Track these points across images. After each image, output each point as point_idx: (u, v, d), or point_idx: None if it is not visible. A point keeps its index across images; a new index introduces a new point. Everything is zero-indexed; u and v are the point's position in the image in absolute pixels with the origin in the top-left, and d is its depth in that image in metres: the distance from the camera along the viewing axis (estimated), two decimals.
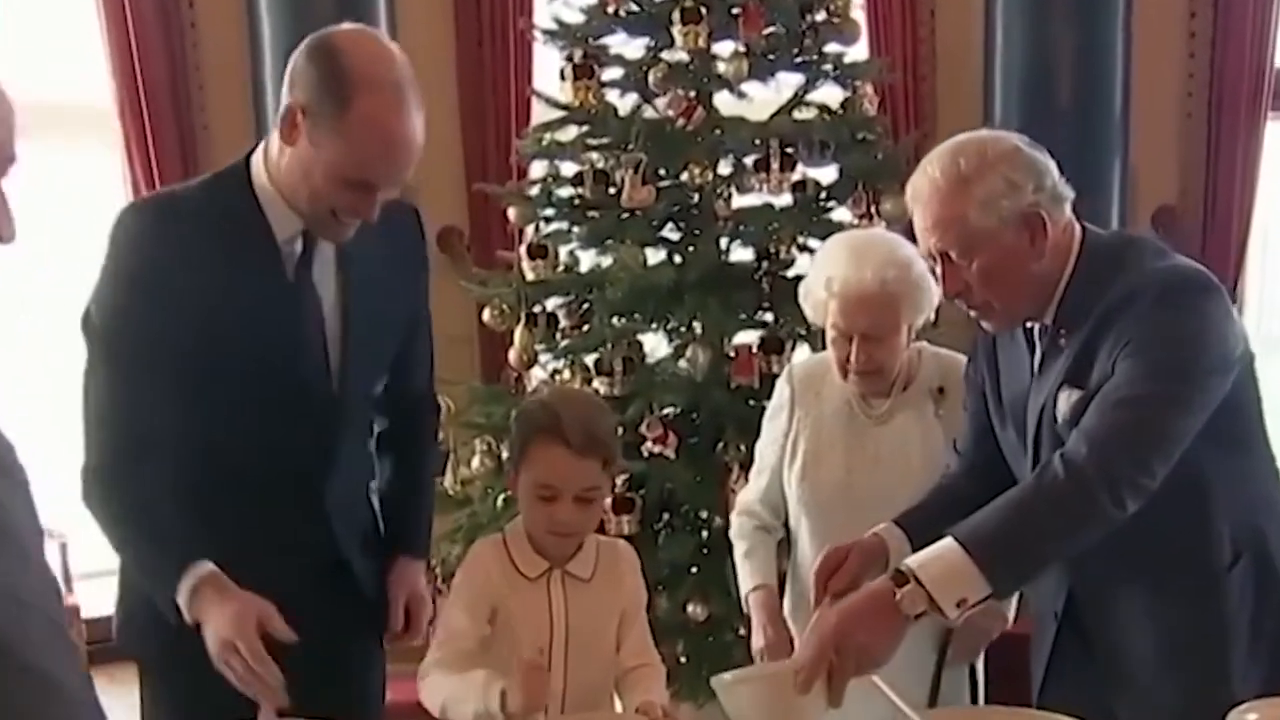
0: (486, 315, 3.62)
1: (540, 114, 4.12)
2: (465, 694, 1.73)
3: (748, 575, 2.39)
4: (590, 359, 3.31)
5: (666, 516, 3.26)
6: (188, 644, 1.73)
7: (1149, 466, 1.71)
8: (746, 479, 3.09)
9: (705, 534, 3.21)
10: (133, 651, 1.99)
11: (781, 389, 2.42)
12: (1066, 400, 1.81)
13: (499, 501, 3.42)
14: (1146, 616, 1.84)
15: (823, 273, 2.26)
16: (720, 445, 3.18)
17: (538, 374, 3.62)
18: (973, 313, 1.90)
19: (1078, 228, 1.87)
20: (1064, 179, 1.86)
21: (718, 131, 3.44)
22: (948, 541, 1.69)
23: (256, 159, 1.83)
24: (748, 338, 3.37)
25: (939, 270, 1.87)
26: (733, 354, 3.26)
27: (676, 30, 3.34)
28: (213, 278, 1.77)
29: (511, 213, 3.65)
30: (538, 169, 3.79)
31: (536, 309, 3.47)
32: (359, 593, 1.99)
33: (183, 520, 1.78)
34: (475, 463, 3.45)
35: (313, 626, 1.74)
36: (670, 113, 3.37)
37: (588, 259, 3.60)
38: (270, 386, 1.82)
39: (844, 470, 2.31)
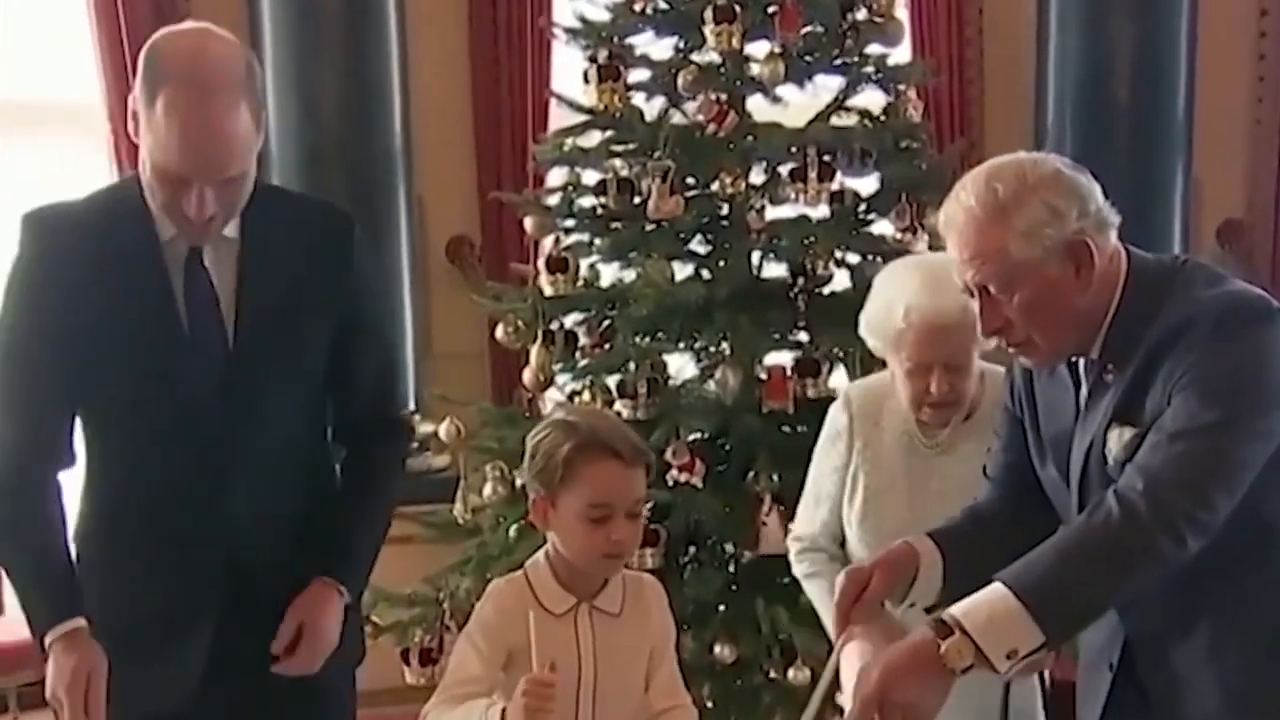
0: (500, 332, 3.65)
1: (559, 118, 4.19)
2: None
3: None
4: (613, 380, 3.34)
5: (693, 550, 3.29)
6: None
7: (1209, 501, 1.72)
8: (781, 509, 3.15)
9: (734, 569, 3.25)
10: None
11: (837, 416, 2.45)
12: (1118, 439, 1.82)
13: (511, 531, 3.47)
14: (1210, 667, 1.85)
15: (898, 302, 2.27)
16: (751, 474, 3.21)
17: (554, 395, 3.67)
18: (1012, 349, 1.90)
19: (1124, 254, 1.88)
20: (1110, 202, 1.86)
21: (750, 138, 3.48)
22: (995, 587, 1.71)
23: None
24: (780, 358, 3.41)
25: (977, 305, 1.87)
26: (765, 376, 3.30)
27: (709, 30, 3.38)
28: (86, 291, 1.91)
29: (528, 223, 3.69)
30: (556, 176, 3.84)
31: (554, 326, 3.51)
32: (268, 613, 2.02)
33: (67, 558, 1.96)
34: (487, 490, 3.49)
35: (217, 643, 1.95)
36: (701, 118, 3.41)
37: (609, 273, 3.64)
38: (152, 393, 1.95)
39: (907, 509, 2.34)
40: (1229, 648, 1.84)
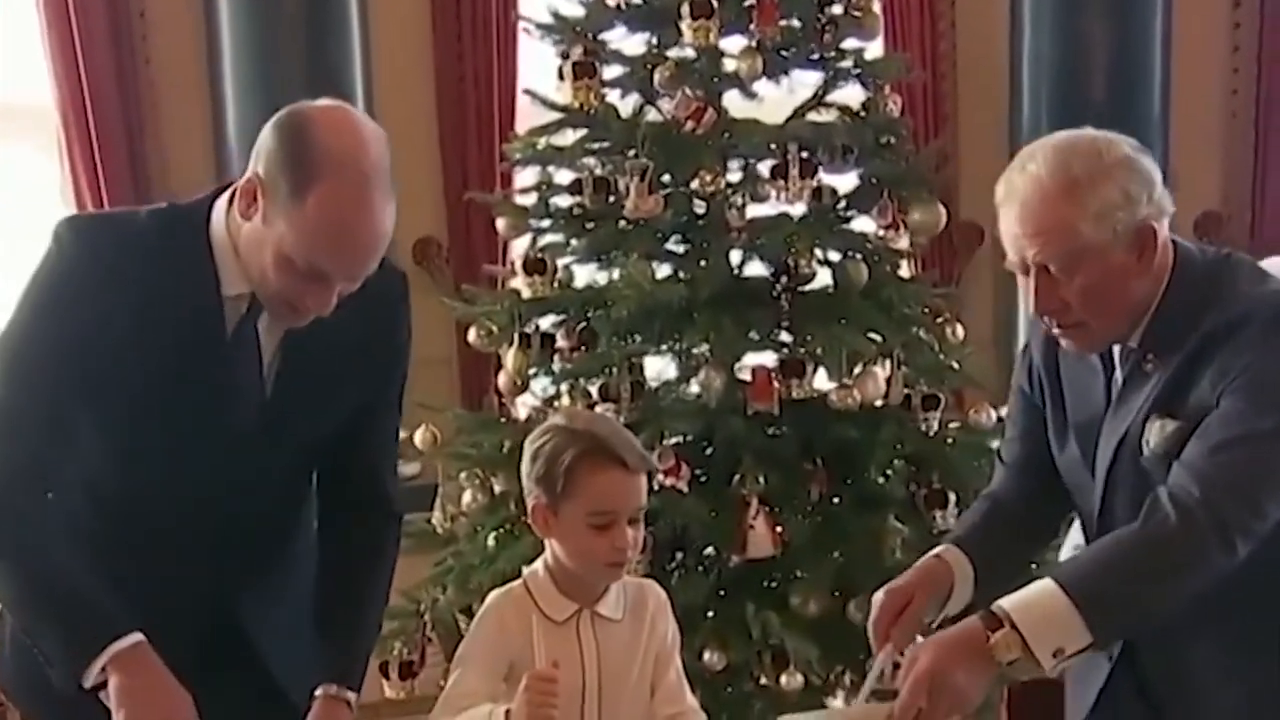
0: (472, 336, 3.66)
1: (526, 114, 4.20)
2: None
3: None
4: (595, 384, 3.36)
5: (680, 555, 3.32)
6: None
7: (1261, 508, 1.77)
8: (768, 512, 3.19)
9: (722, 574, 3.27)
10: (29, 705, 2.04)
11: None
12: (1160, 430, 1.85)
13: (489, 540, 3.48)
14: (1218, 668, 1.89)
15: None
16: (737, 477, 3.25)
17: (527, 400, 3.68)
18: (1057, 330, 1.91)
19: (1171, 244, 1.90)
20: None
21: (728, 135, 3.51)
22: (1046, 584, 1.75)
23: (219, 207, 1.88)
24: (763, 359, 3.44)
25: (1031, 284, 1.85)
26: (749, 377, 3.33)
27: (685, 25, 3.40)
28: (145, 317, 1.81)
29: (501, 223, 3.70)
30: (525, 176, 3.85)
31: (529, 329, 3.53)
32: (256, 668, 1.99)
33: (96, 579, 1.81)
34: (466, 498, 3.51)
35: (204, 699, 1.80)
36: (678, 115, 3.44)
37: (584, 274, 3.66)
38: (188, 438, 1.88)
39: None
40: (1242, 650, 1.88)
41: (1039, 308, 1.88)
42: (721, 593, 3.25)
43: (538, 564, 1.99)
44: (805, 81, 3.68)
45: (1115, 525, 1.90)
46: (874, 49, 3.85)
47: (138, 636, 1.77)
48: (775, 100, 3.67)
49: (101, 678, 1.75)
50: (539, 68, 4.15)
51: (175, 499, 1.92)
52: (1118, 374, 1.94)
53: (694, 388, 3.42)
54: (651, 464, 1.97)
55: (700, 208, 3.52)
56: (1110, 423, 1.93)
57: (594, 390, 3.36)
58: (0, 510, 1.82)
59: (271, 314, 1.87)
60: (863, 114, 3.62)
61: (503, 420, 3.71)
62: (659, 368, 3.56)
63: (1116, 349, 1.94)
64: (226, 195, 1.88)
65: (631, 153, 3.45)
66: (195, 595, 1.94)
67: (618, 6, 3.55)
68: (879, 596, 1.98)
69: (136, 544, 1.91)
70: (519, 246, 3.74)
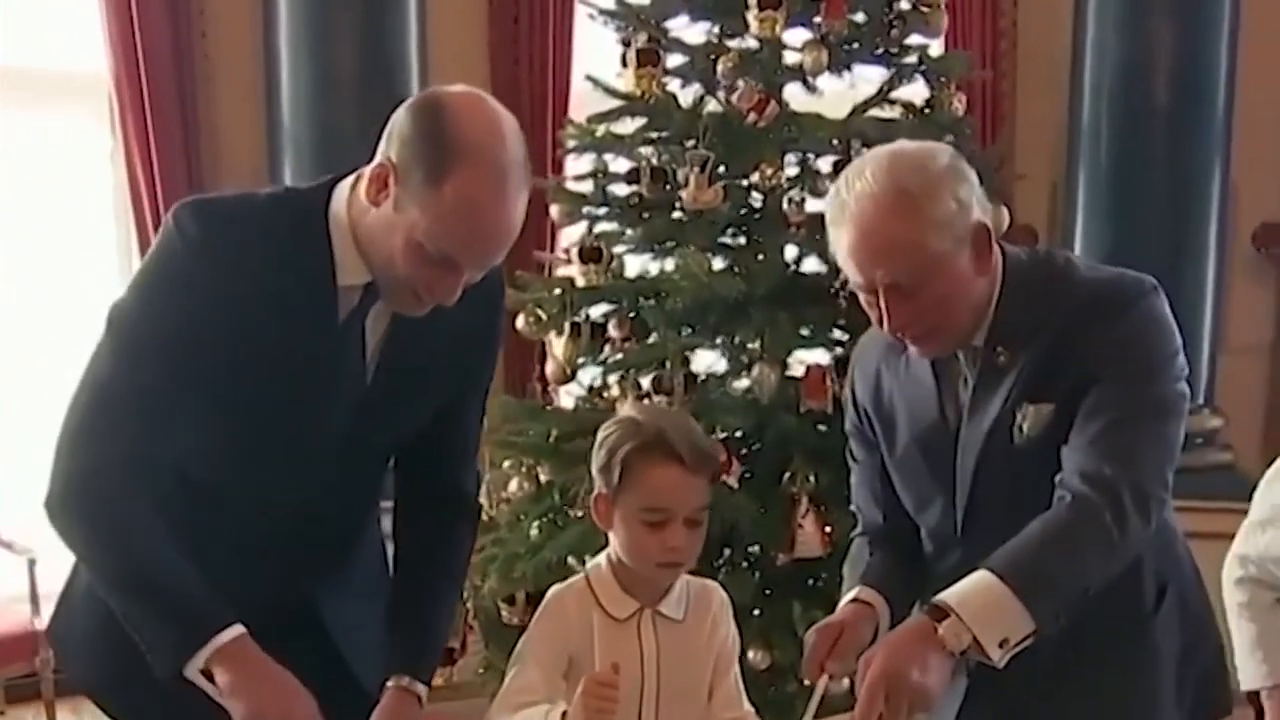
0: (520, 322, 3.64)
1: (580, 101, 4.16)
2: None
3: (1257, 672, 2.34)
4: (646, 375, 3.33)
5: (727, 552, 3.29)
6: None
7: (1166, 480, 1.84)
8: (818, 511, 3.16)
9: (769, 572, 3.24)
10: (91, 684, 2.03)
11: None
12: (1035, 415, 1.87)
13: (532, 529, 3.46)
14: (1071, 662, 1.91)
15: None
16: (787, 475, 3.22)
17: (572, 389, 3.66)
18: (909, 340, 1.92)
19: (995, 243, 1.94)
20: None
21: (789, 129, 3.47)
22: (982, 574, 1.75)
23: (340, 194, 1.83)
24: (816, 357, 3.40)
25: (882, 304, 1.85)
26: (802, 374, 3.30)
27: (752, 15, 3.37)
28: (256, 303, 1.78)
29: (554, 210, 3.68)
30: (580, 163, 3.82)
31: (579, 317, 3.50)
32: (331, 654, 1.98)
33: (193, 566, 1.77)
34: (512, 486, 3.49)
35: None
36: (741, 106, 3.40)
37: (636, 264, 3.63)
38: (285, 427, 1.85)
39: None
40: (1090, 643, 1.91)
41: (892, 326, 1.87)
42: (768, 591, 3.23)
43: (601, 559, 1.96)
44: (868, 77, 3.65)
45: (984, 512, 1.95)
46: (936, 46, 3.81)
47: (239, 629, 1.74)
48: (837, 95, 3.64)
49: (205, 668, 1.73)
50: (595, 53, 4.13)
51: (265, 487, 1.89)
52: (966, 374, 1.95)
53: (745, 382, 3.39)
54: (714, 464, 1.92)
55: (758, 201, 3.50)
56: (972, 420, 1.94)
57: (646, 382, 3.34)
58: (103, 491, 1.78)
59: (393, 302, 1.83)
60: (927, 111, 3.59)
61: (548, 408, 3.69)
62: (709, 361, 3.53)
63: (960, 353, 1.95)
64: (348, 182, 1.83)
65: (691, 143, 3.43)
66: (275, 581, 1.91)
67: None
68: (810, 635, 1.97)
69: (221, 531, 1.88)
70: (569, 234, 3.71)
